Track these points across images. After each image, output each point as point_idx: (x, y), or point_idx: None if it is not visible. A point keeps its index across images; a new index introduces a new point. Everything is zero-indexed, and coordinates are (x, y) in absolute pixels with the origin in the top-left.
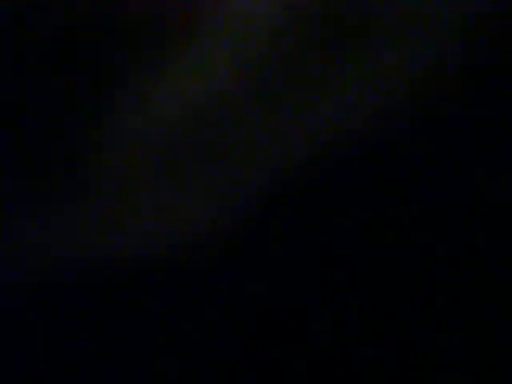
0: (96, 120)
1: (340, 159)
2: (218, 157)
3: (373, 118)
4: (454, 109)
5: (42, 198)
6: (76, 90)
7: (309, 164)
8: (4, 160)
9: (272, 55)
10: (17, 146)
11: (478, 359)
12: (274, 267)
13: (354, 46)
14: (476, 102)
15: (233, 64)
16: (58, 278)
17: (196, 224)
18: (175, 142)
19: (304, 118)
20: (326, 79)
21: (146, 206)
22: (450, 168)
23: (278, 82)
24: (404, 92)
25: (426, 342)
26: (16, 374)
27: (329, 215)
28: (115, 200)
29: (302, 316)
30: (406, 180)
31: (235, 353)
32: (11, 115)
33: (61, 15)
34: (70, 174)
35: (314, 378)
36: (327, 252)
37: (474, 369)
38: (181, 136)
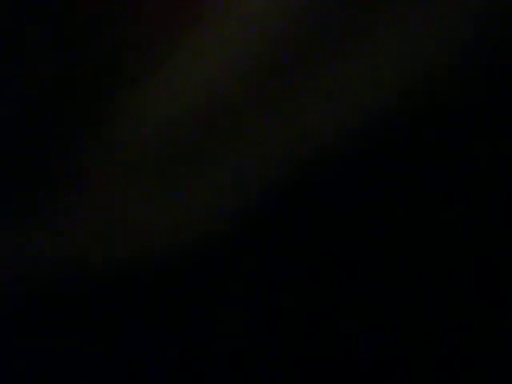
0: (95, 120)
1: (340, 159)
2: (218, 157)
3: (373, 118)
4: (454, 109)
5: (41, 197)
6: (75, 90)
7: (308, 164)
8: (4, 162)
9: (272, 55)
10: (16, 148)
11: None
12: (274, 267)
13: (354, 46)
14: (476, 102)
15: (232, 64)
16: (57, 278)
17: (196, 224)
18: (175, 142)
19: (304, 117)
20: (326, 79)
21: (145, 205)
22: (450, 167)
23: (277, 82)
24: (404, 91)
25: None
26: (16, 374)
27: (328, 215)
28: (115, 200)
29: (303, 316)
30: (405, 180)
31: (236, 353)
32: (11, 118)
33: (60, 14)
34: (69, 173)
35: (315, 378)
36: (327, 251)
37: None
38: (181, 136)
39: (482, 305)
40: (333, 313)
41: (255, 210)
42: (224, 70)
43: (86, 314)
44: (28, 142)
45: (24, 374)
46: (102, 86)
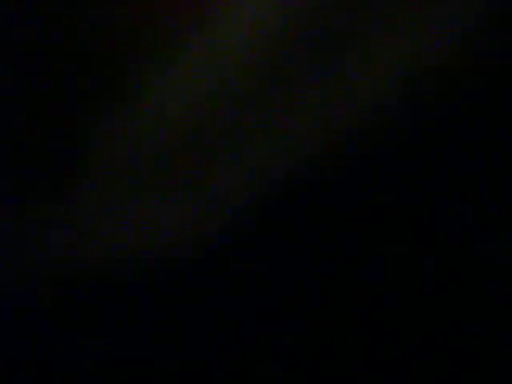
0: (93, 119)
1: (341, 159)
2: (219, 157)
3: (372, 118)
4: (453, 109)
5: (40, 196)
6: (73, 89)
7: (310, 164)
8: (3, 159)
9: (272, 55)
10: (11, 145)
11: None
12: (274, 267)
13: (353, 46)
14: (475, 102)
15: (232, 64)
16: (57, 278)
17: (197, 224)
18: (174, 141)
19: (304, 117)
20: (326, 79)
21: (145, 205)
22: (449, 168)
23: (277, 82)
24: (403, 92)
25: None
26: (16, 374)
27: (328, 215)
28: (115, 199)
29: (303, 315)
30: (405, 180)
31: (236, 353)
32: (6, 114)
33: (61, 15)
34: (68, 172)
35: (314, 377)
36: (327, 251)
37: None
38: (180, 135)
39: (482, 305)
40: (333, 312)
41: (256, 209)
42: (224, 70)
43: (85, 313)
44: (28, 140)
45: (24, 374)
46: (103, 84)
